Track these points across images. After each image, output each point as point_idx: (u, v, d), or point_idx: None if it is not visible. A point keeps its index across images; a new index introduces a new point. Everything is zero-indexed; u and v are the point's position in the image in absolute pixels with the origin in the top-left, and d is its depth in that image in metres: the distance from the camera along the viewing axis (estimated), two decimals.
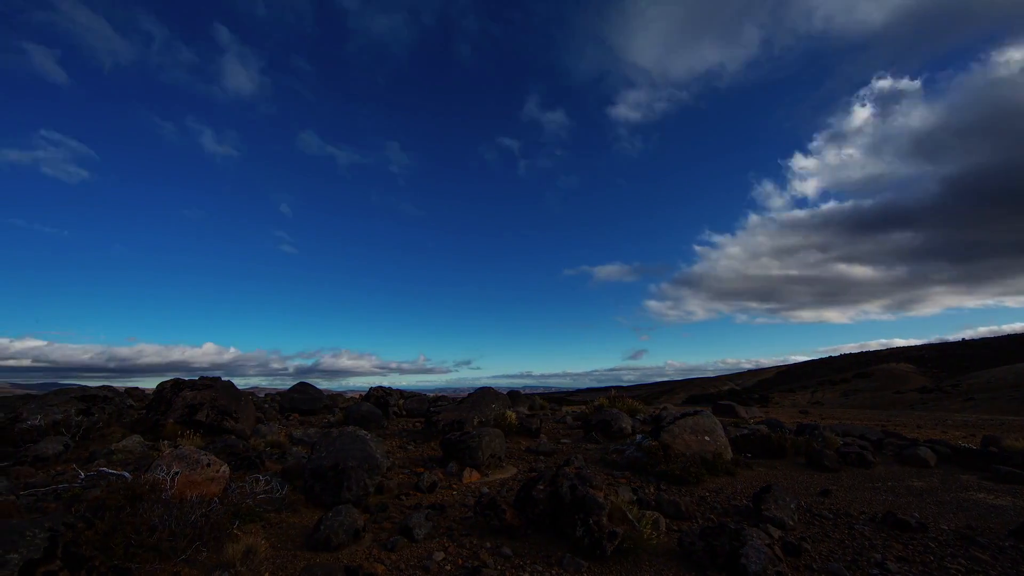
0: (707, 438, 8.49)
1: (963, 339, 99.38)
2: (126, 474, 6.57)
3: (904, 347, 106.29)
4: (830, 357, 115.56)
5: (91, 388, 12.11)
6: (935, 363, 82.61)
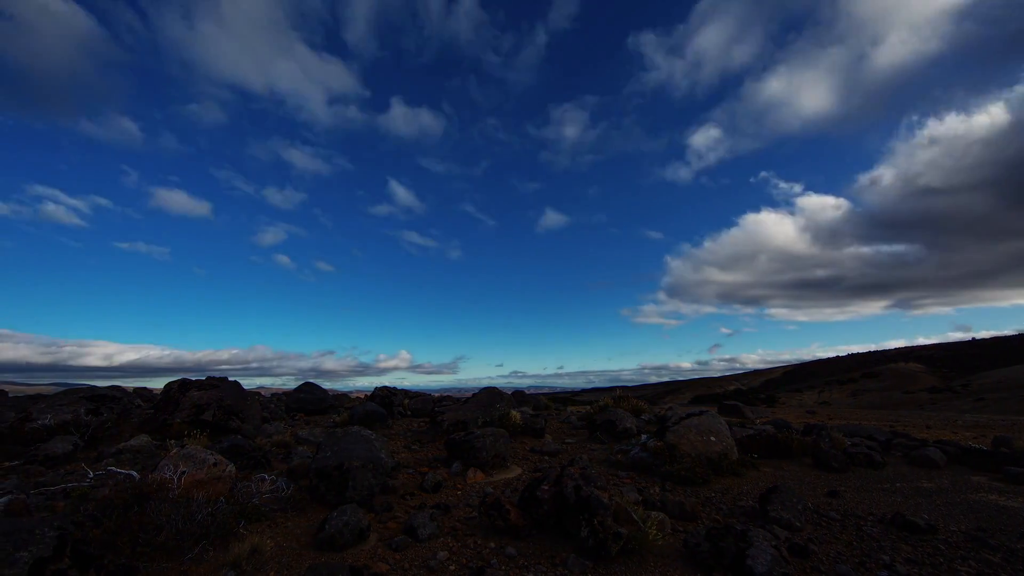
0: (713, 438, 8.44)
1: (973, 338, 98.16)
2: (134, 473, 6.62)
3: (913, 347, 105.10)
4: (837, 357, 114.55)
5: (100, 388, 12.25)
6: (944, 363, 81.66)
